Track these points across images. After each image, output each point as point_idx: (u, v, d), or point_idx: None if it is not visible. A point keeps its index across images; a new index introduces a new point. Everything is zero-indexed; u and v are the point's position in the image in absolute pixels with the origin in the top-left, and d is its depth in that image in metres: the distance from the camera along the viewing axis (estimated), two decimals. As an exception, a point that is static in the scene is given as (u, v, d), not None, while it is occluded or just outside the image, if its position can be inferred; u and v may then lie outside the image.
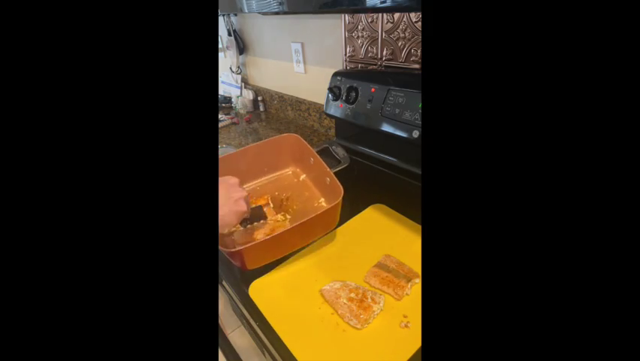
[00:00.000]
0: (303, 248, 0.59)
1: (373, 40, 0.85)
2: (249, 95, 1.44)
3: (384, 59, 0.84)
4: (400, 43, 0.78)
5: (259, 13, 0.77)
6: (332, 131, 1.08)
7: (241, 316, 0.57)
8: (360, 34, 0.88)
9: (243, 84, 1.52)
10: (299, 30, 1.09)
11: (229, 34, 1.41)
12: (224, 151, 1.05)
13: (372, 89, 0.76)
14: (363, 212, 0.67)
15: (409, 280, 0.49)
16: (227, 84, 1.60)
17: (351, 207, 0.67)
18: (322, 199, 0.68)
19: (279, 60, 1.27)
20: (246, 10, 0.75)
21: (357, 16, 0.86)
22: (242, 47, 1.45)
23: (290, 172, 0.77)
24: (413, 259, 0.54)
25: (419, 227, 0.61)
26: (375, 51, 0.86)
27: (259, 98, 1.44)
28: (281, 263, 0.56)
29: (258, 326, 0.48)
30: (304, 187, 0.73)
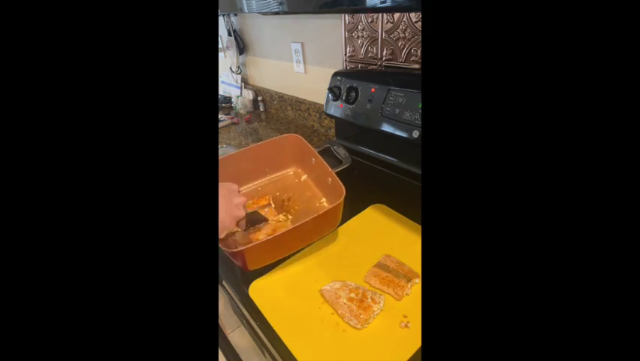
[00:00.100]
0: (303, 248, 0.59)
1: (373, 40, 0.85)
2: (249, 95, 1.44)
3: (384, 59, 0.84)
4: (399, 43, 0.78)
5: (259, 13, 0.77)
6: (332, 131, 1.08)
7: (241, 316, 0.57)
8: (360, 34, 0.88)
9: (243, 84, 1.52)
10: (299, 30, 1.09)
11: (229, 34, 1.41)
12: (224, 151, 1.05)
13: (372, 89, 0.76)
14: (363, 212, 0.67)
15: (409, 280, 0.49)
16: (227, 84, 1.60)
17: (351, 207, 0.67)
18: (324, 199, 0.68)
19: (279, 60, 1.27)
20: (246, 10, 0.75)
21: (357, 16, 0.86)
22: (242, 47, 1.45)
23: (291, 172, 0.77)
24: (413, 259, 0.54)
25: (419, 227, 0.61)
26: (375, 51, 0.86)
27: (259, 98, 1.44)
28: (281, 263, 0.56)
29: (258, 326, 0.48)
30: (306, 187, 0.73)
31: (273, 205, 0.68)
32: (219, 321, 0.80)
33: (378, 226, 0.63)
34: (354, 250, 0.58)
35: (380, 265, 0.53)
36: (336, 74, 0.88)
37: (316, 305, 0.49)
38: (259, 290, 0.53)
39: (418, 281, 0.50)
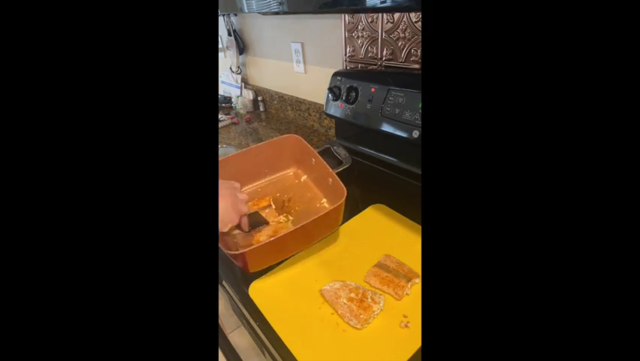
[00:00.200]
0: (304, 249, 0.59)
1: (373, 40, 0.85)
2: (249, 95, 1.44)
3: (384, 59, 0.84)
4: (400, 43, 0.78)
5: (259, 13, 0.77)
6: (332, 131, 1.08)
7: (241, 316, 0.57)
8: (360, 34, 0.88)
9: (243, 84, 1.52)
10: (299, 30, 1.09)
11: (229, 34, 1.41)
12: (224, 151, 1.05)
13: (372, 89, 0.76)
14: (363, 212, 0.67)
15: (409, 280, 0.49)
16: (227, 84, 1.60)
17: (351, 207, 0.67)
18: (324, 200, 0.68)
19: (279, 60, 1.27)
20: (246, 10, 0.75)
21: (357, 16, 0.86)
22: (242, 47, 1.45)
23: (291, 173, 0.77)
24: (413, 259, 0.54)
25: (419, 227, 0.61)
26: (375, 51, 0.86)
27: (259, 98, 1.44)
28: (281, 263, 0.56)
29: (258, 326, 0.48)
30: (306, 188, 0.73)
31: (273, 206, 0.68)
32: (219, 321, 0.80)
33: (378, 226, 0.63)
34: (354, 250, 0.58)
35: (380, 265, 0.53)
36: (336, 74, 0.88)
37: (316, 305, 0.49)
38: (259, 290, 0.53)
39: (418, 281, 0.50)
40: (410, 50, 0.77)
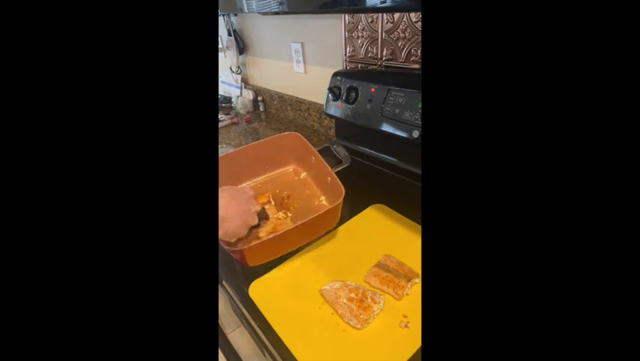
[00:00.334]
0: (304, 247, 0.59)
1: (373, 40, 0.85)
2: (249, 95, 1.44)
3: (384, 59, 0.84)
4: (400, 44, 0.78)
5: (259, 13, 0.77)
6: (332, 131, 1.08)
7: (241, 316, 0.57)
8: (360, 34, 0.88)
9: (243, 84, 1.52)
10: (299, 30, 1.09)
11: (229, 34, 1.41)
12: (224, 151, 1.05)
13: (372, 89, 0.76)
14: (363, 212, 0.67)
15: (409, 280, 0.49)
16: (227, 84, 1.60)
17: (351, 207, 0.67)
18: (323, 197, 0.68)
19: (279, 60, 1.27)
20: (246, 10, 0.75)
21: (357, 16, 0.86)
22: (242, 47, 1.45)
23: (291, 170, 0.77)
24: (413, 259, 0.54)
25: (419, 227, 0.61)
26: (375, 51, 0.86)
27: (259, 98, 1.44)
28: (281, 263, 0.56)
29: (258, 326, 0.48)
30: (305, 185, 0.73)
31: (273, 203, 0.68)
32: (219, 321, 0.80)
33: (378, 226, 0.63)
34: (355, 250, 0.58)
35: (380, 265, 0.53)
36: (336, 74, 0.88)
37: (316, 305, 0.49)
38: (259, 290, 0.53)
39: (418, 281, 0.50)
40: (410, 50, 0.77)
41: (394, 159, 0.81)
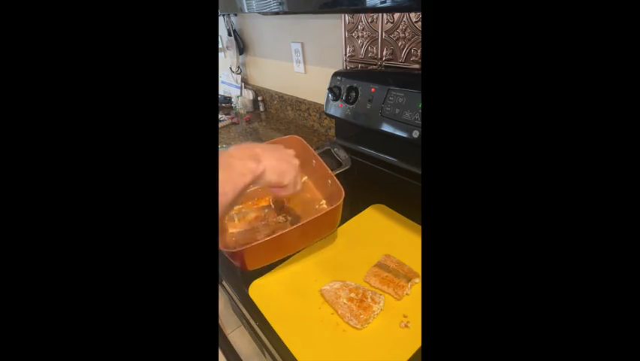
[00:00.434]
0: (302, 250, 0.59)
1: (373, 40, 0.85)
2: (249, 95, 1.44)
3: (384, 59, 0.84)
4: (400, 44, 0.78)
5: (259, 13, 0.77)
6: (332, 132, 1.08)
7: (241, 316, 0.57)
8: (360, 34, 0.88)
9: (243, 84, 1.52)
10: (299, 30, 1.09)
11: (229, 34, 1.41)
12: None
13: (372, 89, 0.76)
14: (363, 212, 0.67)
15: (409, 280, 0.49)
16: (227, 84, 1.60)
17: (351, 208, 0.67)
18: (323, 201, 0.68)
19: (279, 60, 1.27)
20: (246, 10, 0.75)
21: (357, 16, 0.86)
22: (242, 47, 1.45)
23: None
24: (413, 259, 0.54)
25: (419, 227, 0.61)
26: (375, 51, 0.86)
27: (259, 98, 1.44)
28: (281, 263, 0.56)
29: (258, 326, 0.48)
30: (305, 189, 0.73)
31: (272, 206, 0.68)
32: (219, 321, 0.80)
33: (378, 226, 0.63)
34: (354, 250, 0.58)
35: (380, 265, 0.53)
36: (336, 74, 0.88)
37: (316, 305, 0.49)
38: (259, 290, 0.53)
39: (418, 281, 0.50)
40: (410, 50, 0.77)
41: (394, 159, 0.81)
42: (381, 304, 0.47)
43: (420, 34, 0.73)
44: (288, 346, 0.44)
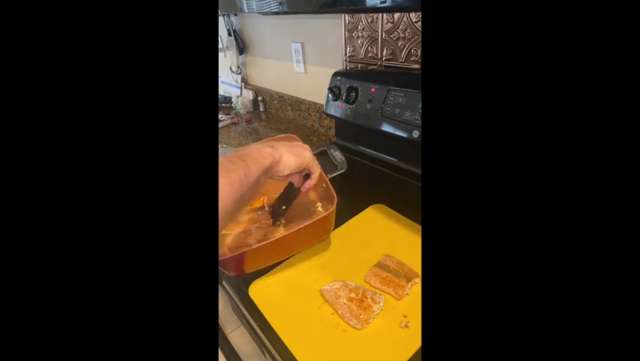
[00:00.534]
0: (294, 254, 0.58)
1: (373, 40, 0.85)
2: (249, 95, 1.44)
3: (384, 59, 0.84)
4: (400, 44, 0.78)
5: (259, 13, 0.77)
6: (332, 132, 1.08)
7: (241, 316, 0.57)
8: (360, 34, 0.88)
9: (243, 84, 1.52)
10: (299, 30, 1.09)
11: (229, 34, 1.41)
12: (223, 151, 1.05)
13: (372, 89, 0.76)
14: (363, 212, 0.67)
15: (409, 280, 0.49)
16: (227, 84, 1.60)
17: (351, 207, 0.67)
18: (319, 204, 0.67)
19: (279, 60, 1.27)
20: (246, 10, 0.75)
21: (357, 16, 0.86)
22: (242, 47, 1.45)
23: None
24: (413, 259, 0.54)
25: (419, 227, 0.61)
26: (375, 51, 0.86)
27: (259, 98, 1.44)
28: (281, 264, 0.56)
29: (258, 326, 0.48)
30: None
31: (267, 208, 0.67)
32: (219, 321, 0.80)
33: (378, 226, 0.63)
34: (354, 250, 0.58)
35: (380, 265, 0.53)
36: (336, 74, 0.88)
37: (316, 305, 0.49)
38: (259, 290, 0.53)
39: (418, 281, 0.50)
40: (410, 50, 0.77)
41: (394, 159, 0.81)
42: (381, 305, 0.47)
43: (420, 34, 0.73)
44: (288, 346, 0.44)
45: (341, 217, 0.64)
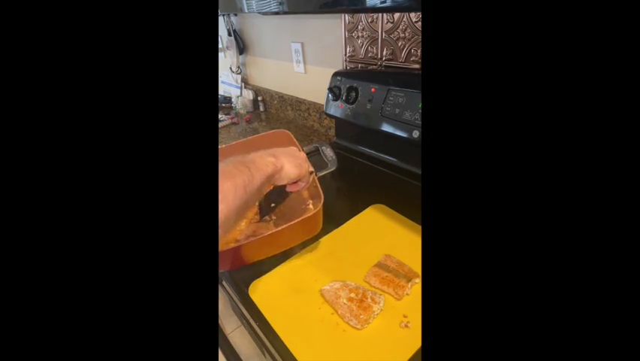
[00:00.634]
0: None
1: (373, 40, 0.85)
2: (249, 95, 1.44)
3: (384, 59, 0.84)
4: (400, 44, 0.78)
5: (259, 13, 0.77)
6: (332, 131, 1.08)
7: (241, 316, 0.57)
8: (360, 34, 0.88)
9: (243, 84, 1.52)
10: (299, 30, 1.09)
11: (229, 34, 1.41)
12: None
13: (372, 89, 0.77)
14: (363, 212, 0.67)
15: (409, 280, 0.49)
16: (227, 84, 1.60)
17: (351, 207, 0.67)
18: (310, 201, 0.66)
19: (279, 60, 1.27)
20: (246, 10, 0.75)
21: (357, 16, 0.86)
22: (242, 47, 1.45)
23: None
24: (413, 259, 0.54)
25: (419, 227, 0.61)
26: (375, 51, 0.86)
27: (259, 98, 1.44)
28: (281, 263, 0.56)
29: (258, 326, 0.48)
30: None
31: (257, 203, 0.67)
32: (219, 321, 0.80)
33: (378, 226, 0.63)
34: (354, 250, 0.58)
35: (380, 265, 0.53)
36: (336, 74, 0.88)
37: (316, 305, 0.49)
38: (259, 290, 0.53)
39: (418, 281, 0.50)
40: (410, 50, 0.77)
41: (394, 159, 0.81)
42: (381, 305, 0.47)
43: (420, 34, 0.73)
44: (288, 346, 0.44)
45: (341, 217, 0.64)
